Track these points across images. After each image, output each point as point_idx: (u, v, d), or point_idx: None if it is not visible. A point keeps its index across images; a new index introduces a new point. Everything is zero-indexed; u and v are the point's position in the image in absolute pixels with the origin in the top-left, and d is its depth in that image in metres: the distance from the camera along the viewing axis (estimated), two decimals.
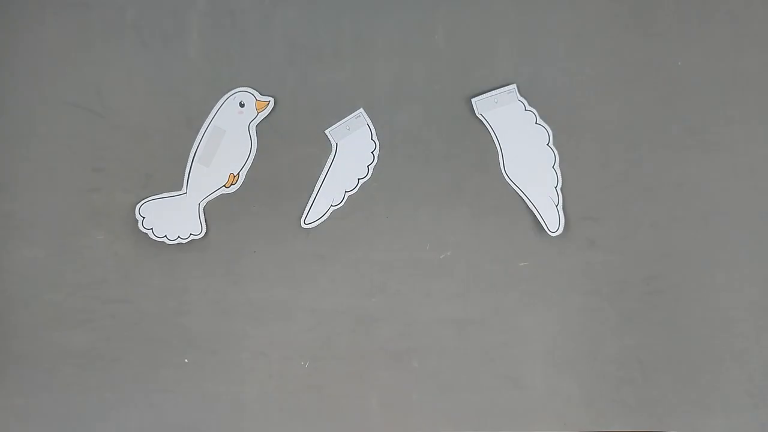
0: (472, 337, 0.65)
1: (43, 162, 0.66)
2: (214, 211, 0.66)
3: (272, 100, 0.66)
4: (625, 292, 0.65)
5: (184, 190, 0.66)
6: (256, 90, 0.66)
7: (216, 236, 0.66)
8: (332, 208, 0.65)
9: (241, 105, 0.65)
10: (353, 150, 0.66)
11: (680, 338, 0.65)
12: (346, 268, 0.65)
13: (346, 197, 0.65)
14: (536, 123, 0.63)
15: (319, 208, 0.65)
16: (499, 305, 0.65)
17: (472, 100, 0.64)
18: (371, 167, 0.66)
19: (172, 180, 0.66)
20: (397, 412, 0.65)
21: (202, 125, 0.66)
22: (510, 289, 0.66)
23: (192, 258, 0.66)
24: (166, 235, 0.65)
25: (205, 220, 0.66)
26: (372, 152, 0.66)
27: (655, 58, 0.66)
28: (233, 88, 0.66)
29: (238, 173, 0.66)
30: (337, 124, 0.65)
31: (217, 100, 0.66)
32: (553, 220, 0.63)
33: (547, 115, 0.66)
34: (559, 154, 0.66)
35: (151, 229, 0.65)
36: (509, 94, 0.64)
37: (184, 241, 0.65)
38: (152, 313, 0.66)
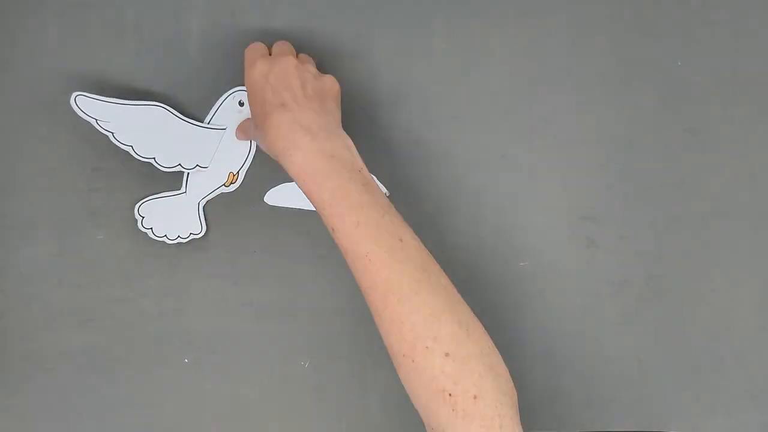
0: None
1: (43, 162, 0.66)
2: (214, 210, 0.66)
3: None
4: (625, 292, 0.65)
5: (183, 189, 0.66)
6: None
7: (216, 236, 0.66)
8: None
9: (240, 104, 0.65)
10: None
11: (680, 338, 0.65)
12: (346, 268, 0.65)
13: None
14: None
15: None
16: (499, 305, 0.65)
17: None
18: None
19: (172, 179, 0.66)
20: (397, 412, 0.65)
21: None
22: (510, 289, 0.65)
23: (192, 258, 0.66)
24: (166, 235, 0.65)
25: (205, 219, 0.66)
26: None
27: (655, 58, 0.66)
28: (233, 88, 0.66)
29: (238, 172, 0.66)
30: None
31: (217, 100, 0.66)
32: None
33: (547, 115, 0.66)
34: (559, 154, 0.66)
35: (151, 228, 0.65)
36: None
37: (184, 241, 0.65)
38: (152, 313, 0.66)
